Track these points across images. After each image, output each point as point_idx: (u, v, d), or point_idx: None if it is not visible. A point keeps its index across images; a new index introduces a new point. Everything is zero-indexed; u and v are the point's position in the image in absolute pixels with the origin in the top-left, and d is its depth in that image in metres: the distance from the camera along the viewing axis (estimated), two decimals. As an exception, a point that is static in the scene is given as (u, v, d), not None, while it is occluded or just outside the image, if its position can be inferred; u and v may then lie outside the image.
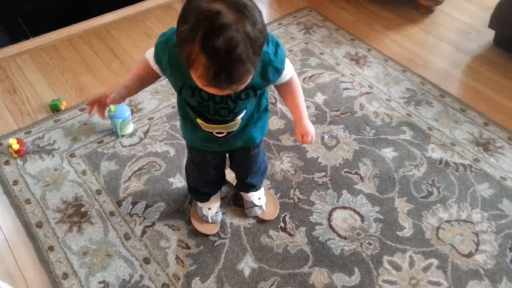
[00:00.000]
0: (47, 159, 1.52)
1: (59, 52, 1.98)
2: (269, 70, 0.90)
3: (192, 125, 1.05)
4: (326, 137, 1.64)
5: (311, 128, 1.05)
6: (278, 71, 0.92)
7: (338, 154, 1.58)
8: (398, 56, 2.02)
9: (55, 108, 1.68)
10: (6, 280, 1.21)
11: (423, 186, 1.49)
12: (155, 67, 0.95)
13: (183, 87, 0.90)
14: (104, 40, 2.06)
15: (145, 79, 1.00)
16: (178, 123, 1.65)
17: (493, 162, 1.58)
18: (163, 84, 1.81)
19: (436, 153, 1.59)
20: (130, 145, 1.57)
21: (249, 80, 0.77)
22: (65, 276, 1.23)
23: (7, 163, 1.50)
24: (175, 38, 0.75)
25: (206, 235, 1.32)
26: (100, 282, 1.22)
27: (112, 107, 1.54)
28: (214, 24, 0.67)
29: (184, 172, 1.38)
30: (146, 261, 1.27)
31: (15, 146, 1.48)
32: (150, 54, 0.95)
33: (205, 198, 1.33)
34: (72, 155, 1.53)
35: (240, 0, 0.70)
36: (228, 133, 1.03)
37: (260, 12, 0.73)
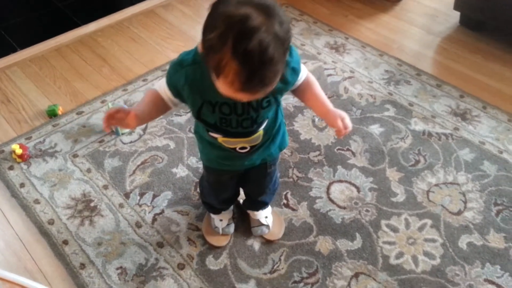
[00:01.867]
0: (51, 161, 1.56)
1: (48, 62, 2.02)
2: (287, 72, 0.89)
3: (210, 145, 1.04)
4: (316, 119, 1.73)
5: (344, 113, 0.97)
6: (296, 71, 0.93)
7: (329, 134, 1.68)
8: (374, 42, 2.15)
9: (52, 114, 1.72)
10: (25, 276, 1.24)
11: (410, 156, 1.60)
12: (167, 94, 0.93)
13: (202, 105, 0.90)
14: (91, 48, 2.10)
15: (156, 109, 0.97)
16: (174, 118, 1.72)
17: (471, 129, 1.71)
18: (154, 83, 1.88)
19: (419, 126, 1.71)
20: (131, 142, 1.63)
21: (278, 80, 0.76)
22: (83, 266, 1.27)
23: (11, 168, 1.53)
24: (203, 47, 0.75)
25: (218, 247, 1.31)
26: (117, 268, 1.27)
27: (110, 104, 1.60)
28: (244, 28, 0.68)
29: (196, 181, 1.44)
30: (160, 245, 1.32)
31: (18, 151, 1.52)
32: (160, 84, 0.94)
33: (218, 211, 1.33)
34: (75, 156, 1.58)
35: (266, 2, 0.71)
36: (252, 147, 1.02)
37: (283, 11, 0.74)
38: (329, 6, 2.40)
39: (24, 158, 1.54)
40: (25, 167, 1.54)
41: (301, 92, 1.01)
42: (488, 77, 1.95)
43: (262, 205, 1.33)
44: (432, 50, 2.11)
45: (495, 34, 2.16)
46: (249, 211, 1.36)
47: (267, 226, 1.33)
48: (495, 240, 1.35)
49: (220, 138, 0.98)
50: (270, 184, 1.24)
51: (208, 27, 0.73)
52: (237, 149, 1.01)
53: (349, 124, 0.96)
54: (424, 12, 2.36)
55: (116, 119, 0.91)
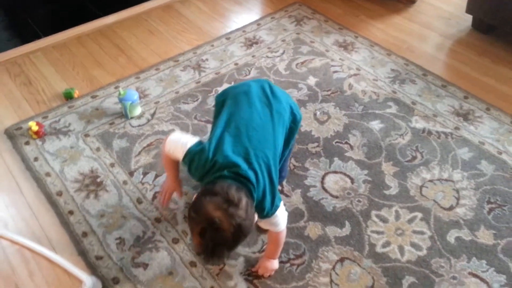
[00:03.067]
0: (64, 139, 1.66)
1: (69, 49, 2.14)
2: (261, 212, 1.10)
3: None
4: (318, 113, 1.78)
5: (274, 266, 1.26)
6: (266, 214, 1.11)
7: (330, 127, 1.72)
8: (383, 42, 2.18)
9: (68, 96, 1.83)
10: (33, 240, 1.34)
11: (407, 151, 1.63)
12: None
13: None
14: (110, 38, 2.22)
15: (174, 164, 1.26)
16: (181, 106, 1.80)
17: (472, 129, 1.72)
18: (166, 73, 1.97)
19: (419, 124, 1.74)
20: (139, 125, 1.72)
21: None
22: (85, 234, 1.36)
23: (27, 143, 1.65)
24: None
25: None
26: (116, 239, 1.35)
27: (121, 90, 1.70)
28: (210, 226, 0.94)
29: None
30: (157, 220, 1.40)
31: (35, 127, 1.63)
32: (173, 148, 1.17)
33: None
34: (87, 135, 1.68)
35: (237, 219, 0.94)
36: None
37: (252, 224, 1.01)
38: (342, 6, 2.45)
39: (39, 135, 1.65)
40: (40, 143, 1.65)
41: (270, 236, 1.24)
42: (494, 80, 1.95)
43: None
44: (442, 52, 2.13)
45: (505, 38, 2.15)
46: None
47: None
48: (484, 237, 1.37)
49: None
50: (283, 170, 1.39)
51: (193, 206, 1.00)
52: None
53: (264, 275, 1.26)
54: (437, 15, 2.38)
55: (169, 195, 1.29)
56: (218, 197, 0.96)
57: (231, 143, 1.08)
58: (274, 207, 1.09)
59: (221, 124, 1.13)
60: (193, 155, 1.09)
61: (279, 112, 1.17)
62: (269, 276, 1.25)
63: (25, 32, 2.23)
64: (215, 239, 0.95)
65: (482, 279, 1.27)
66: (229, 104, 1.18)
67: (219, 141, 1.09)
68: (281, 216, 1.14)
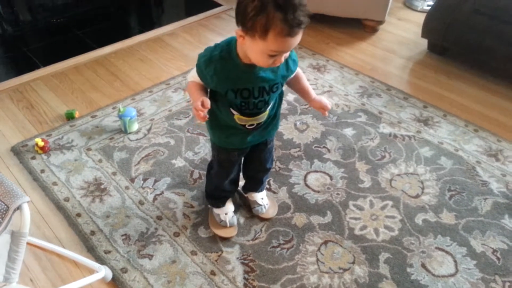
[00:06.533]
0: (68, 153, 1.81)
1: (68, 77, 2.32)
2: (290, 62, 1.15)
3: (224, 128, 1.25)
4: (298, 123, 2.00)
5: (325, 99, 1.26)
6: (295, 62, 1.18)
7: (309, 134, 1.94)
8: (351, 64, 2.46)
9: (70, 116, 2.00)
10: (44, 240, 1.46)
11: (377, 152, 1.85)
12: (199, 81, 1.16)
13: (227, 92, 1.13)
14: (105, 66, 2.42)
15: (204, 90, 1.19)
16: (175, 121, 1.99)
17: (432, 132, 1.97)
18: (159, 94, 2.17)
19: (386, 129, 1.98)
20: (137, 139, 1.89)
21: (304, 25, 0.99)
22: (93, 233, 1.49)
23: (33, 158, 1.79)
24: (245, 23, 0.96)
25: (228, 238, 1.48)
26: (122, 235, 1.49)
27: (121, 108, 1.88)
28: None
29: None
30: (159, 218, 1.55)
31: (40, 143, 1.78)
32: (193, 75, 1.16)
33: (223, 202, 1.50)
34: (89, 149, 1.84)
35: None
36: (257, 124, 1.23)
37: None
38: (313, 35, 2.75)
39: (45, 150, 1.80)
40: (45, 157, 1.79)
41: (294, 81, 1.26)
42: (450, 92, 2.24)
43: (260, 185, 1.54)
44: (403, 71, 2.42)
45: (458, 58, 2.48)
46: (248, 194, 1.58)
47: (264, 206, 1.55)
48: (447, 218, 1.58)
49: (237, 115, 1.20)
50: (269, 160, 1.46)
51: (244, 8, 0.95)
52: (247, 126, 1.22)
53: (328, 105, 1.25)
54: (397, 40, 2.70)
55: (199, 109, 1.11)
56: None
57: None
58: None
59: None
60: (205, 51, 1.13)
61: None
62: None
63: (25, 63, 2.42)
64: None
65: (447, 252, 1.46)
66: None
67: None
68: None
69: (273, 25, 0.93)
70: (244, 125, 1.22)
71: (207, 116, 1.11)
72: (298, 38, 0.98)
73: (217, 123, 1.26)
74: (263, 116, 1.22)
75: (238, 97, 1.13)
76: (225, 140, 1.30)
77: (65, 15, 2.88)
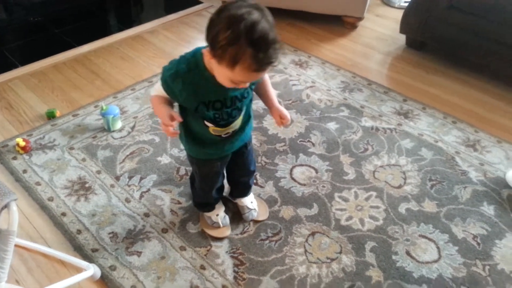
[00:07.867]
0: (50, 152, 1.78)
1: (47, 76, 2.28)
2: None
3: (200, 140, 1.20)
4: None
5: (285, 110, 1.23)
6: None
7: (293, 129, 1.96)
8: (332, 60, 2.50)
9: (51, 115, 1.96)
10: (28, 241, 1.44)
11: (360, 145, 1.89)
12: (165, 96, 1.10)
13: (198, 106, 1.08)
14: (85, 65, 2.38)
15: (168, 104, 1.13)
16: (159, 119, 1.98)
17: (412, 124, 2.02)
18: (142, 92, 2.16)
19: (368, 123, 2.02)
20: (121, 137, 1.87)
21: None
22: (79, 232, 1.48)
23: (14, 158, 1.75)
24: (215, 49, 0.92)
25: (222, 238, 1.47)
26: (109, 233, 1.47)
27: (104, 106, 1.86)
28: (249, 21, 0.87)
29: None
30: (146, 215, 1.54)
31: (22, 143, 1.74)
32: (157, 89, 1.11)
33: (212, 207, 1.49)
34: (72, 148, 1.81)
35: (256, 4, 0.91)
36: (233, 132, 1.20)
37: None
38: (295, 32, 2.77)
39: (26, 150, 1.76)
40: (27, 157, 1.75)
41: (259, 85, 1.24)
42: (428, 86, 2.31)
43: (248, 189, 1.53)
44: (383, 66, 2.48)
45: (435, 52, 2.55)
46: (237, 200, 1.56)
47: (255, 209, 1.54)
48: (429, 206, 1.62)
49: (211, 127, 1.16)
50: (252, 163, 1.44)
51: (217, 32, 0.90)
52: (222, 135, 1.19)
53: (288, 117, 1.22)
54: (376, 36, 2.76)
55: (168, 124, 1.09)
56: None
57: None
58: None
59: None
60: (170, 64, 1.09)
61: None
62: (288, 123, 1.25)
63: (2, 63, 2.35)
64: (261, 28, 0.88)
65: (430, 239, 1.51)
66: None
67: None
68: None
69: (242, 59, 0.89)
70: (219, 135, 1.20)
71: (178, 131, 1.08)
72: (266, 71, 0.96)
73: (191, 136, 1.22)
74: (238, 123, 1.20)
75: (211, 110, 1.10)
76: (204, 151, 1.25)
77: (43, 13, 2.82)
